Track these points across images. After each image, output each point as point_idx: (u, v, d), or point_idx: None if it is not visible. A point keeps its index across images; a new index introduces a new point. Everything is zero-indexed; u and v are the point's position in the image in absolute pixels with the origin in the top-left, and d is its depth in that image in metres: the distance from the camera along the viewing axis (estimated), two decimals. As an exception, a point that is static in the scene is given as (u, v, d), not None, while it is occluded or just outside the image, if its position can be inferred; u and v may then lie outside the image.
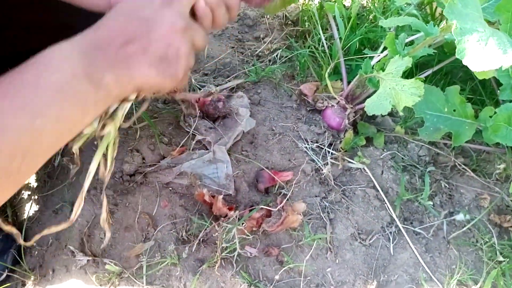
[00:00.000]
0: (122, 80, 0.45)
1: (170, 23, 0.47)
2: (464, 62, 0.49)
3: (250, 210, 0.73)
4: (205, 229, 0.71)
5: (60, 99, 0.42)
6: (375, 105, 0.65)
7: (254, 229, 0.71)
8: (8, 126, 0.39)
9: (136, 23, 0.46)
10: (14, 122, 0.40)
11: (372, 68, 0.72)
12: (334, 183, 0.78)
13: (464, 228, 0.76)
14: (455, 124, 0.74)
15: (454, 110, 0.75)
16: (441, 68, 0.88)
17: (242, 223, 0.69)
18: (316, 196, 0.77)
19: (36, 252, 0.79)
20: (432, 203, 0.80)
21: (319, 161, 0.81)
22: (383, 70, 0.67)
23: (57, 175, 0.90)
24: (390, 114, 0.92)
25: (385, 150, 0.86)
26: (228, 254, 0.69)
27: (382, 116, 0.92)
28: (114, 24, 0.46)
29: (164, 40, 0.47)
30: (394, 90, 0.63)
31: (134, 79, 0.45)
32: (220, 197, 0.71)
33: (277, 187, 0.76)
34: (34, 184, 0.91)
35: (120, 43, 0.44)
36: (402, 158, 0.85)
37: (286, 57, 0.94)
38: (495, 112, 0.70)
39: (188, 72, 0.51)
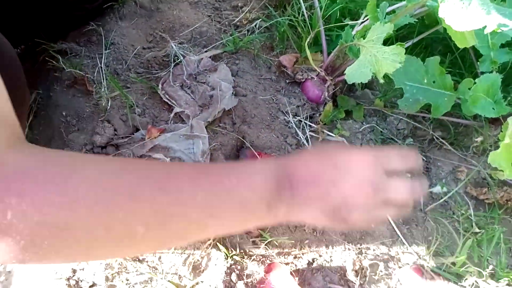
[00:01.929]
0: (291, 216, 0.47)
1: (361, 177, 0.47)
2: (447, 22, 0.47)
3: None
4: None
5: (239, 212, 0.46)
6: (355, 73, 0.63)
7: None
8: (187, 213, 0.43)
9: (330, 169, 0.47)
10: (195, 212, 0.43)
11: (353, 37, 0.70)
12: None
13: (441, 200, 0.76)
14: (434, 96, 0.74)
15: (434, 82, 0.74)
16: (421, 40, 0.87)
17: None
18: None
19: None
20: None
21: (299, 134, 0.80)
22: (364, 38, 0.66)
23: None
24: (370, 87, 0.90)
25: (364, 123, 0.85)
26: (204, 228, 0.67)
27: (362, 88, 0.91)
28: (311, 163, 0.47)
29: (347, 193, 0.46)
30: (375, 57, 0.61)
31: (302, 219, 0.48)
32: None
33: (254, 160, 0.74)
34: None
35: (308, 184, 0.45)
36: (381, 131, 0.84)
37: (265, 27, 0.91)
38: (475, 83, 0.70)
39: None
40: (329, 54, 0.82)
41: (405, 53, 0.72)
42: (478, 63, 0.75)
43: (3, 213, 0.34)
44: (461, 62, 0.87)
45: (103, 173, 0.41)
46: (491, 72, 0.73)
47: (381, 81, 0.62)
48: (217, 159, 0.74)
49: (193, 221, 0.44)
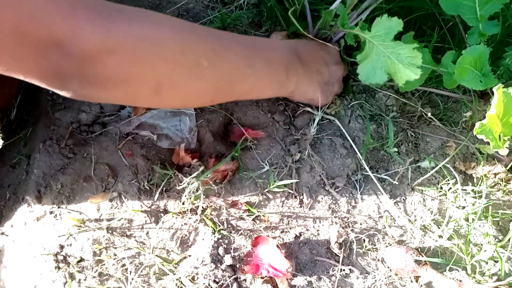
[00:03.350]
0: (300, 85, 0.71)
1: (341, 68, 0.80)
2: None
3: (215, 160, 0.71)
4: (168, 179, 0.69)
5: (267, 68, 0.65)
6: (369, 74, 0.64)
7: (217, 180, 0.69)
8: (233, 59, 0.59)
9: (323, 54, 0.76)
10: (238, 59, 0.61)
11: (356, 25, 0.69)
12: (300, 132, 0.77)
13: (428, 175, 0.76)
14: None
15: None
16: (411, 18, 0.86)
17: (207, 175, 0.67)
18: (281, 145, 0.75)
19: (-6, 209, 0.76)
20: (397, 151, 0.79)
21: (287, 111, 0.80)
22: (369, 30, 0.65)
23: (13, 129, 0.86)
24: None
25: (353, 99, 0.84)
26: (191, 204, 0.67)
27: (350, 65, 0.90)
28: (310, 47, 0.75)
29: (334, 75, 0.78)
30: (390, 59, 0.60)
31: (306, 91, 0.74)
32: (182, 145, 0.68)
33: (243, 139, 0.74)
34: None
35: (310, 60, 0.72)
36: (370, 108, 0.84)
37: (253, 3, 0.89)
38: (461, 55, 0.69)
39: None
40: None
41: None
42: (466, 35, 0.74)
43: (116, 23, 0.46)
44: (450, 37, 0.87)
45: (172, 17, 0.58)
46: (479, 44, 0.73)
47: (401, 85, 0.63)
48: (204, 136, 0.74)
49: (237, 68, 0.61)
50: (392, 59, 0.61)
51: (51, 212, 0.67)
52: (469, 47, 0.68)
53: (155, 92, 0.52)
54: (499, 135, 0.66)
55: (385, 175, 0.76)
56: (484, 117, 0.62)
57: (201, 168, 0.66)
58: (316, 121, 0.75)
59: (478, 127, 0.62)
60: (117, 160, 0.71)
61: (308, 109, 0.77)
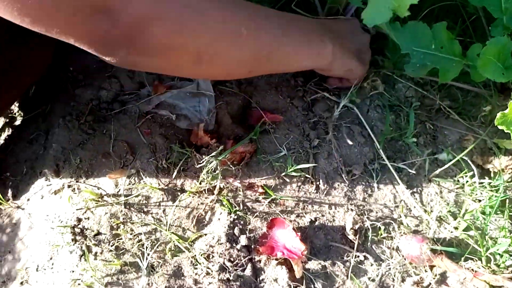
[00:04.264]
0: (337, 53, 0.71)
1: (364, 33, 0.80)
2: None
3: (233, 142, 0.71)
4: (186, 158, 0.69)
5: (303, 37, 0.66)
6: (373, 15, 0.63)
7: (235, 162, 0.69)
8: (270, 27, 0.61)
9: (348, 25, 0.78)
10: (274, 28, 0.62)
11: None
12: (319, 118, 0.77)
13: (445, 167, 0.76)
14: (442, 61, 0.72)
15: (442, 47, 0.73)
16: (432, 9, 0.86)
17: (226, 155, 0.68)
18: (299, 130, 0.75)
19: (11, 183, 0.77)
20: (415, 142, 0.79)
21: (305, 97, 0.79)
22: None
23: (32, 106, 0.86)
24: (380, 53, 0.89)
25: (372, 89, 0.84)
26: (209, 184, 0.67)
27: (372, 55, 0.90)
28: (335, 21, 0.76)
29: (362, 40, 0.79)
30: None
31: (342, 58, 0.73)
32: (202, 125, 0.69)
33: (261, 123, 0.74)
34: (6, 118, 0.87)
35: (339, 31, 0.74)
36: (389, 98, 0.84)
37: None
38: (484, 46, 0.68)
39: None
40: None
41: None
42: (489, 28, 0.74)
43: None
44: (472, 30, 0.86)
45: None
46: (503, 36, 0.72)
47: (406, 14, 0.62)
48: (223, 118, 0.74)
49: (274, 36, 0.61)
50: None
51: (69, 186, 0.67)
52: (492, 39, 0.68)
53: (197, 61, 0.53)
54: (521, 128, 0.65)
55: (402, 164, 0.76)
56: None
57: (220, 148, 0.66)
58: (346, 97, 0.76)
59: (499, 117, 0.61)
60: (135, 138, 0.71)
61: (326, 94, 0.77)
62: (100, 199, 0.65)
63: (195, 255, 0.62)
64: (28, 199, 0.72)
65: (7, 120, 0.87)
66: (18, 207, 0.72)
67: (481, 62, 0.67)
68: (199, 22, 0.50)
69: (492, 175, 0.78)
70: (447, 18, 0.88)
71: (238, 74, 0.67)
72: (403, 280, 0.65)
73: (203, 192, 0.67)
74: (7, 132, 0.86)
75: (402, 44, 0.72)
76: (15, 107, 0.89)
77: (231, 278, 0.60)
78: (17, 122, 0.88)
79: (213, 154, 0.65)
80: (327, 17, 0.79)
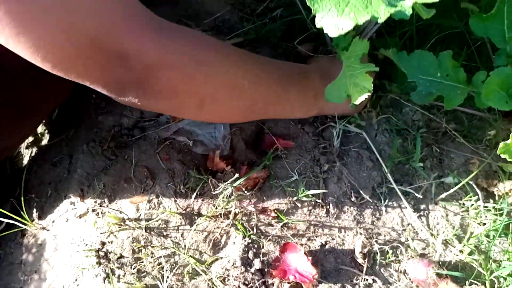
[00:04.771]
0: (321, 105, 0.76)
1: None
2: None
3: (247, 167, 0.75)
4: (203, 184, 0.73)
5: (298, 95, 0.71)
6: (333, 92, 0.66)
7: (249, 187, 0.73)
8: (269, 81, 0.65)
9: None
10: (274, 82, 0.66)
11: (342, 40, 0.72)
12: (329, 144, 0.80)
13: (451, 191, 0.79)
14: (447, 89, 0.76)
15: (447, 75, 0.76)
16: (439, 35, 0.89)
17: (240, 182, 0.71)
18: (310, 156, 0.78)
19: (35, 204, 0.81)
20: (422, 166, 0.82)
21: (316, 122, 0.83)
22: (347, 50, 0.67)
23: (55, 129, 0.91)
24: (388, 77, 0.92)
25: (380, 113, 0.87)
26: (224, 208, 0.71)
27: (379, 79, 0.93)
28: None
29: None
30: (349, 80, 0.62)
31: (334, 107, 0.77)
32: (217, 152, 0.72)
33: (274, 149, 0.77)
34: (31, 138, 0.92)
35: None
36: (396, 122, 0.87)
37: (286, 16, 0.93)
38: (488, 76, 0.71)
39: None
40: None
41: (420, 48, 0.75)
42: (494, 56, 0.76)
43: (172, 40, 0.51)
44: (477, 56, 0.89)
45: (220, 42, 0.62)
46: (506, 65, 0.75)
47: (355, 103, 0.63)
48: (237, 144, 0.78)
49: (274, 91, 0.65)
50: (351, 80, 0.63)
51: (93, 210, 0.71)
52: (496, 69, 0.70)
53: (198, 107, 0.57)
54: (523, 155, 0.68)
55: (409, 188, 0.79)
56: (508, 136, 0.64)
57: (235, 176, 0.69)
58: (335, 133, 0.79)
59: (501, 147, 0.64)
60: (155, 163, 0.75)
61: (332, 123, 0.81)
62: (122, 223, 0.69)
63: (212, 278, 0.66)
64: (53, 221, 0.76)
65: (31, 142, 0.92)
66: (43, 228, 0.76)
67: (485, 92, 0.70)
68: (204, 72, 0.53)
69: (496, 198, 0.81)
70: (453, 44, 0.92)
71: (234, 120, 0.72)
72: (410, 303, 0.68)
73: (219, 216, 0.71)
74: (32, 153, 0.91)
75: (409, 73, 0.75)
76: (39, 129, 0.93)
77: (246, 300, 0.63)
78: (43, 142, 0.92)
79: (229, 181, 0.69)
80: (327, 55, 0.82)
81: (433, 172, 0.82)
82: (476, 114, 0.88)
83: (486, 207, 0.79)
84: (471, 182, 0.79)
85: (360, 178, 0.78)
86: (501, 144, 0.63)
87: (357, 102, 0.59)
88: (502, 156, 0.65)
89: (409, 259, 0.71)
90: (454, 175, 0.81)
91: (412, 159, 0.82)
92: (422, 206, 0.79)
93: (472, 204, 0.79)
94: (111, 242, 0.68)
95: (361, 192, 0.77)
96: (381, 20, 0.44)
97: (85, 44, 0.44)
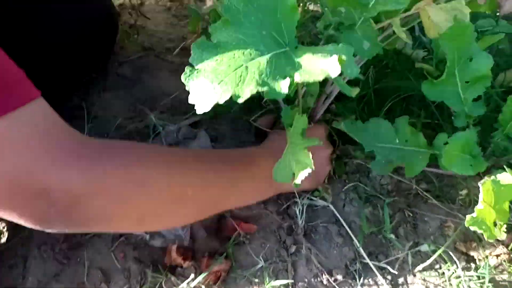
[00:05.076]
0: (286, 188, 0.74)
1: (325, 149, 0.79)
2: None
3: (208, 258, 0.70)
4: (161, 282, 0.68)
5: (251, 187, 0.69)
6: (280, 172, 0.60)
7: (211, 283, 0.68)
8: (218, 181, 0.62)
9: None
10: (223, 181, 0.63)
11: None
12: (294, 222, 0.76)
13: (430, 260, 0.74)
14: (408, 155, 0.73)
15: (406, 141, 0.74)
16: (397, 97, 0.88)
17: (200, 281, 0.67)
18: (276, 237, 0.74)
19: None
20: (395, 235, 0.78)
21: (280, 199, 0.80)
22: (291, 127, 0.63)
23: (13, 226, 0.86)
24: (350, 142, 0.90)
25: (346, 181, 0.84)
26: (185, 307, 0.66)
27: (343, 144, 0.91)
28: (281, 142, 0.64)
29: (319, 160, 0.75)
30: (292, 157, 0.58)
31: (291, 186, 0.64)
32: (174, 247, 0.68)
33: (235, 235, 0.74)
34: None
35: None
36: (364, 189, 0.84)
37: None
38: (447, 143, 0.69)
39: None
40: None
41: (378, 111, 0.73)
42: (453, 117, 0.75)
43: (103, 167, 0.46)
44: (438, 114, 0.87)
45: (160, 149, 0.61)
46: (467, 126, 0.73)
47: (296, 182, 0.57)
48: (198, 232, 0.74)
49: (222, 189, 0.62)
50: (293, 157, 0.58)
51: (45, 323, 0.66)
52: (456, 134, 0.69)
53: (138, 224, 0.53)
54: (494, 222, 0.65)
55: (384, 262, 0.75)
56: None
57: (193, 275, 0.65)
58: (298, 211, 0.75)
59: (469, 220, 0.61)
60: (110, 263, 0.70)
61: (296, 199, 0.77)
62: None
63: None
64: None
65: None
66: None
67: (446, 158, 0.68)
68: (141, 193, 0.50)
69: (477, 262, 0.77)
70: (413, 105, 0.90)
71: (181, 224, 0.69)
72: None
73: (180, 317, 0.66)
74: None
75: (365, 143, 0.73)
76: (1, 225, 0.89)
77: None
78: (1, 241, 0.87)
79: (185, 282, 0.64)
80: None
81: (408, 241, 0.78)
82: (445, 173, 0.85)
83: (468, 275, 0.74)
84: (448, 250, 0.75)
85: (331, 257, 0.74)
86: (468, 218, 0.60)
87: (298, 180, 0.55)
88: (472, 228, 0.61)
89: None
90: (429, 244, 0.77)
91: (384, 229, 0.79)
92: (400, 280, 0.74)
93: (453, 273, 0.74)
94: None
95: (333, 272, 0.72)
96: (241, 100, 0.41)
97: (4, 186, 0.42)
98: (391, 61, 0.92)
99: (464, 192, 0.82)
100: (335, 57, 0.42)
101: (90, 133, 0.87)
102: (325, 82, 0.77)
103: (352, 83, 0.77)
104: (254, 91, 0.41)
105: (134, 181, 0.49)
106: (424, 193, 0.85)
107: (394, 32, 0.65)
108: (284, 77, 0.42)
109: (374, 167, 0.73)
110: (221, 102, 0.41)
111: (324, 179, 0.81)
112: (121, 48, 1.02)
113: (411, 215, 0.83)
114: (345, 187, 0.82)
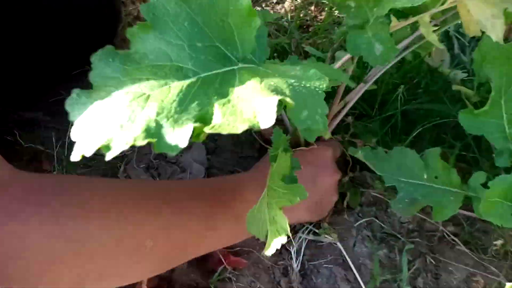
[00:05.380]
0: None
1: (331, 175, 0.64)
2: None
3: (187, 293, 0.60)
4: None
5: (234, 225, 0.53)
6: (254, 223, 0.44)
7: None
8: (188, 224, 0.48)
9: (309, 172, 0.58)
10: (194, 222, 0.49)
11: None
12: (293, 258, 0.65)
13: (452, 323, 0.62)
14: (437, 195, 0.61)
15: (436, 177, 0.61)
16: (430, 118, 0.76)
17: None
18: (268, 277, 0.63)
19: None
20: (413, 287, 0.65)
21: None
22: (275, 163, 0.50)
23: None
24: (370, 170, 0.78)
25: (360, 214, 0.72)
26: None
27: (360, 170, 0.79)
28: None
29: (323, 189, 0.62)
30: (269, 211, 0.42)
31: (291, 217, 0.51)
32: (144, 281, 0.57)
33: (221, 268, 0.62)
34: None
35: None
36: (381, 226, 0.71)
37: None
38: (488, 179, 0.57)
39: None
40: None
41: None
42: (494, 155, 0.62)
43: (25, 221, 0.35)
44: (475, 146, 0.74)
45: (110, 188, 0.44)
46: (510, 167, 0.61)
47: (265, 253, 0.41)
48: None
49: (193, 232, 0.49)
50: (270, 212, 0.42)
51: None
52: (498, 177, 0.56)
53: (78, 286, 0.41)
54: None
55: (396, 321, 0.62)
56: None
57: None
58: (293, 252, 0.63)
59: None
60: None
61: (298, 234, 0.66)
62: None
63: None
64: None
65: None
66: None
67: (485, 206, 0.55)
68: (77, 250, 0.38)
69: (510, 330, 0.64)
70: (444, 133, 0.78)
71: (137, 280, 0.55)
72: None
73: None
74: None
75: (386, 176, 0.61)
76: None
77: None
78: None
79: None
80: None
81: (427, 295, 0.66)
82: (477, 217, 0.72)
83: None
84: (475, 312, 0.62)
85: (333, 307, 0.62)
86: (508, 285, 0.47)
87: (268, 252, 0.41)
88: (511, 295, 0.49)
89: None
90: (453, 302, 0.64)
91: (401, 276, 0.66)
92: None
93: None
94: None
95: (333, 327, 0.60)
96: (109, 156, 0.27)
97: None
98: (424, 80, 0.79)
99: (499, 242, 0.69)
100: (274, 98, 0.28)
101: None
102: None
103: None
104: (139, 142, 0.27)
105: (67, 237, 0.38)
106: (451, 236, 0.72)
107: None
108: (195, 120, 0.28)
109: (395, 206, 0.60)
110: (88, 153, 0.27)
111: (329, 212, 0.69)
112: (123, 41, 0.93)
113: (433, 262, 0.70)
114: (358, 222, 0.70)
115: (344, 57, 0.52)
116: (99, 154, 0.68)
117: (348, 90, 0.66)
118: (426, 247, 0.71)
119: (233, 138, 0.78)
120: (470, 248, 0.72)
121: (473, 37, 0.95)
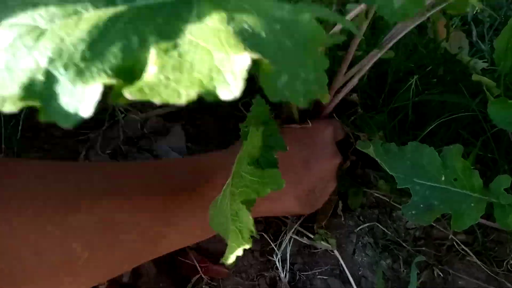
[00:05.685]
0: (268, 211, 0.49)
1: (330, 158, 0.51)
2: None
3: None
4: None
5: (203, 216, 0.38)
6: (216, 216, 0.34)
7: None
8: (140, 220, 0.37)
9: (301, 153, 0.48)
10: (148, 218, 0.38)
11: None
12: (281, 268, 0.55)
13: None
14: (455, 199, 0.51)
15: (455, 179, 0.52)
16: (445, 111, 0.66)
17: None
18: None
19: None
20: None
21: (268, 232, 0.58)
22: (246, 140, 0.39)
23: None
24: (374, 168, 0.69)
25: (361, 218, 0.63)
26: None
27: (362, 167, 0.69)
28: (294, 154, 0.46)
29: (319, 174, 0.50)
30: (232, 207, 0.32)
31: (276, 208, 0.47)
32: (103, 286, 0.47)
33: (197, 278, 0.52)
34: None
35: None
36: (384, 232, 0.62)
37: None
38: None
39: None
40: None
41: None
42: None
43: None
44: (494, 145, 0.65)
45: (32, 181, 0.33)
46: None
47: (225, 261, 0.33)
48: (147, 268, 0.53)
49: (147, 233, 0.38)
50: (233, 209, 0.32)
51: None
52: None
53: None
54: None
55: None
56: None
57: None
58: (277, 260, 0.53)
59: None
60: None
61: (295, 236, 0.56)
62: None
63: None
64: None
65: None
66: None
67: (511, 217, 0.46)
68: None
69: None
70: (461, 129, 0.68)
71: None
72: None
73: None
74: None
75: (399, 176, 0.51)
76: None
77: None
78: None
79: None
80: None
81: (435, 313, 0.57)
82: (494, 226, 0.64)
83: None
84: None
85: (326, 326, 0.53)
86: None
87: (227, 260, 0.31)
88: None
89: None
90: (466, 324, 0.55)
91: (405, 291, 0.57)
92: None
93: None
94: None
95: None
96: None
97: None
98: (439, 69, 0.70)
99: (517, 256, 0.60)
100: (245, 58, 0.18)
101: (29, 111, 0.66)
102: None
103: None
104: (13, 105, 0.17)
105: None
106: (462, 246, 0.64)
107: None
108: (112, 72, 0.17)
109: (407, 212, 0.50)
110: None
111: (325, 202, 0.56)
112: None
113: (441, 275, 0.61)
114: (359, 227, 0.61)
115: (356, 9, 0.41)
116: (57, 136, 0.56)
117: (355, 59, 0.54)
118: (433, 257, 0.63)
119: (217, 119, 0.68)
120: (483, 260, 0.63)
121: (491, 25, 0.86)
